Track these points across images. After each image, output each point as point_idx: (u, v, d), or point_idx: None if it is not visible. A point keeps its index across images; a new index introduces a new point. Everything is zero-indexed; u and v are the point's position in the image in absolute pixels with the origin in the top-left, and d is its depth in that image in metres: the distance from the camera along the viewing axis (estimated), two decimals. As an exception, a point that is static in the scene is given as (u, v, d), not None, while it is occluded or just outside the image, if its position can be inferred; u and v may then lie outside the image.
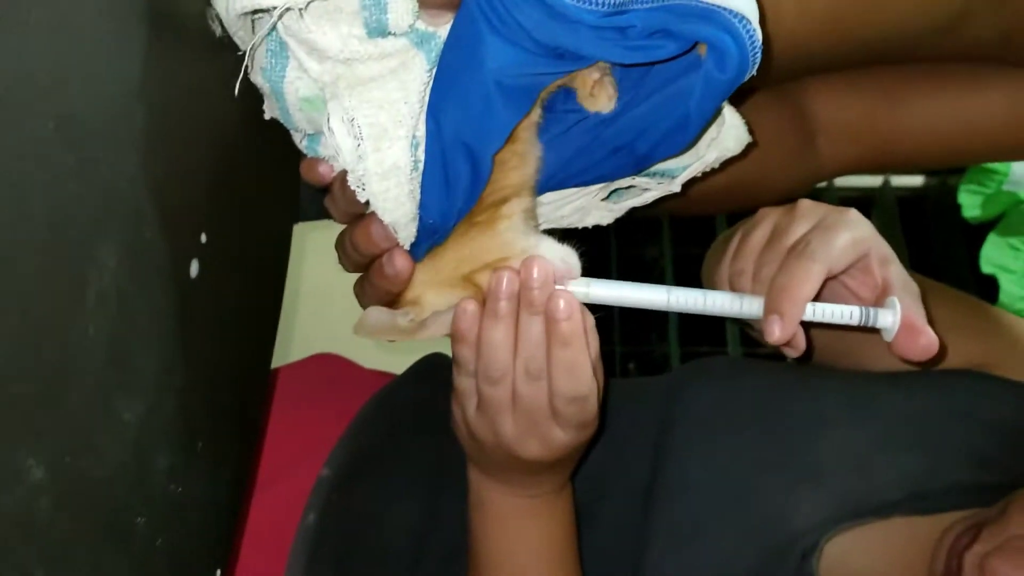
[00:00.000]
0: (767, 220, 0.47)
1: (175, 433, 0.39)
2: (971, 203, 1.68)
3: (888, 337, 0.45)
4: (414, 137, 0.42)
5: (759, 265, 0.46)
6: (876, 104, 0.59)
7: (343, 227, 0.47)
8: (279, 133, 0.46)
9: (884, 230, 1.55)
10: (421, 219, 0.44)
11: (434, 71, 0.42)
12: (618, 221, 0.54)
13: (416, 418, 0.68)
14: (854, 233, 0.45)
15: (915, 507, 0.51)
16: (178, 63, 0.39)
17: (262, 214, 0.50)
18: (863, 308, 0.45)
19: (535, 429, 0.46)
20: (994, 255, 1.58)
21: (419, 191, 0.44)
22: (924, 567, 0.49)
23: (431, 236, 0.45)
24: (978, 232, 1.58)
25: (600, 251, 1.73)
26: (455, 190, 0.44)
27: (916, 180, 1.83)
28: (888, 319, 0.45)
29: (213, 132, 0.43)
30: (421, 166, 0.43)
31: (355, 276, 0.49)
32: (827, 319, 0.45)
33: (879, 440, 0.53)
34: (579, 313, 0.44)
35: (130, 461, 0.35)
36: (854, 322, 0.45)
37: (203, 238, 0.41)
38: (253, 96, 0.45)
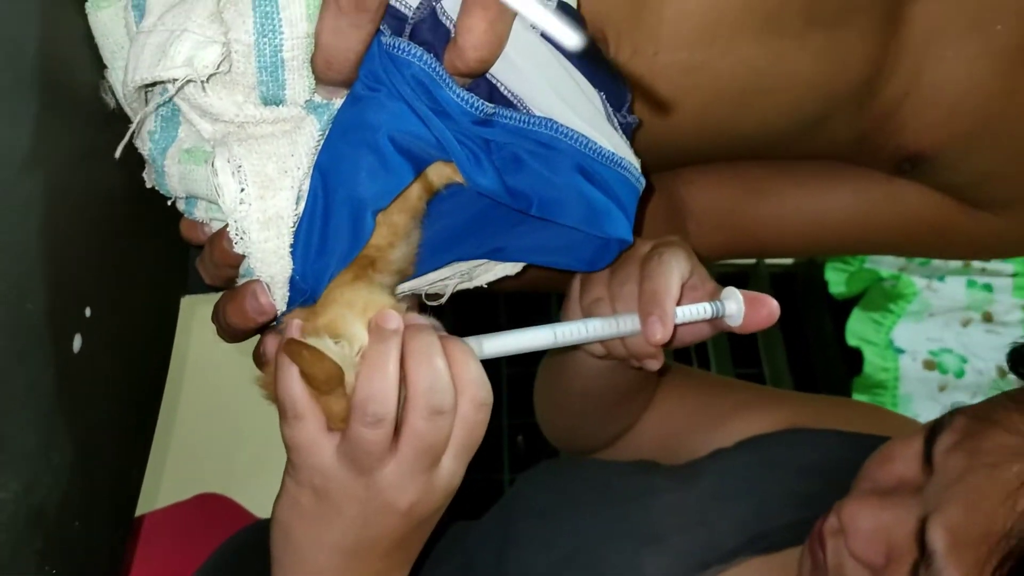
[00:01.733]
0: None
1: (51, 513, 0.38)
2: (837, 280, 1.79)
3: (737, 321, 0.49)
4: (299, 192, 0.42)
5: (614, 288, 0.49)
6: (740, 197, 0.63)
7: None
8: (166, 207, 0.46)
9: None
10: (293, 278, 0.43)
11: (324, 134, 0.43)
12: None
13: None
14: (686, 251, 0.50)
15: (757, 548, 0.54)
16: (67, 134, 0.39)
17: (149, 286, 0.50)
18: (712, 302, 0.50)
19: (419, 469, 0.42)
20: (858, 328, 1.68)
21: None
22: None
23: (298, 295, 0.44)
24: (843, 307, 1.68)
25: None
26: (332, 247, 0.43)
27: (787, 260, 1.94)
28: (733, 305, 0.50)
29: (100, 204, 0.43)
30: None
31: (242, 347, 0.49)
32: (689, 318, 0.49)
33: (708, 497, 0.57)
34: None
35: (4, 541, 0.33)
36: (709, 315, 0.49)
37: (87, 312, 0.40)
38: (141, 168, 0.45)
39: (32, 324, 0.35)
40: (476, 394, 0.42)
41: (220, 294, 0.47)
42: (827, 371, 1.86)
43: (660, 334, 0.46)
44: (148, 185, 0.45)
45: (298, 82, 0.41)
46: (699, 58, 0.51)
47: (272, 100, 0.41)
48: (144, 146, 0.44)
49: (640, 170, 0.48)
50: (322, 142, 0.43)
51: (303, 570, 0.45)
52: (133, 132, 0.42)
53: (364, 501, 0.43)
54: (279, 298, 0.43)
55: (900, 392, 1.65)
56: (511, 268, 0.52)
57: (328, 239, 0.43)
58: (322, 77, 0.41)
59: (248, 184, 0.40)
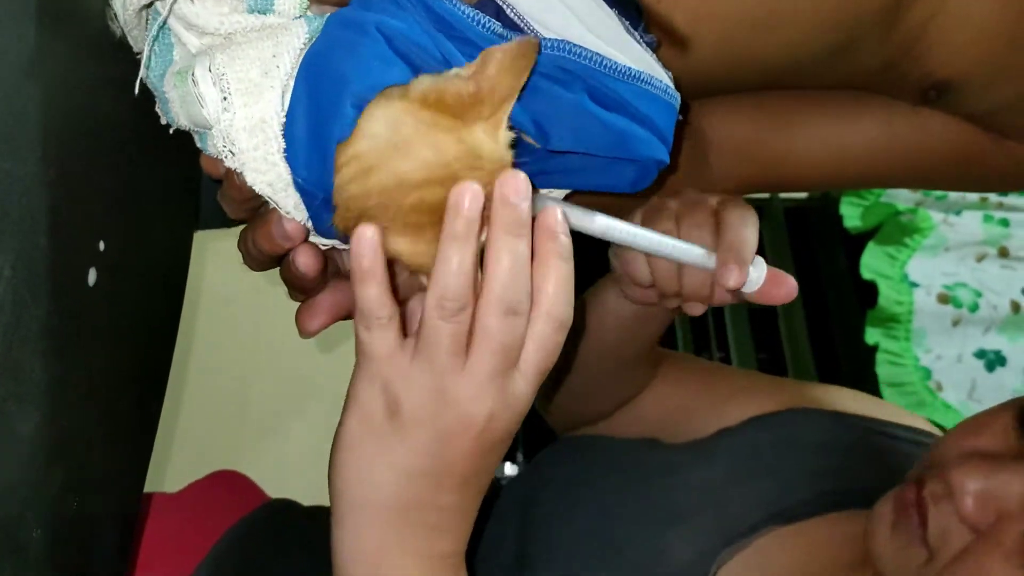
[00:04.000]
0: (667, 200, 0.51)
1: (71, 445, 0.38)
2: (852, 214, 1.77)
3: (753, 288, 0.50)
4: (284, 93, 0.39)
5: (685, 230, 0.49)
6: (763, 128, 0.62)
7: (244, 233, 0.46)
8: (178, 140, 0.45)
9: (772, 239, 1.62)
10: (295, 181, 0.40)
11: (313, 39, 0.40)
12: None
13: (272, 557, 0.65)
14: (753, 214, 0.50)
15: (778, 521, 0.55)
16: (76, 66, 0.38)
17: (162, 221, 0.49)
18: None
19: (494, 374, 0.39)
20: (873, 263, 1.67)
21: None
22: (831, 560, 0.53)
23: (313, 200, 0.41)
24: (858, 241, 1.67)
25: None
26: (323, 137, 0.39)
27: (801, 193, 1.92)
28: (755, 272, 0.50)
29: (112, 136, 0.42)
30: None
31: (254, 284, 0.48)
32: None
33: (727, 475, 0.58)
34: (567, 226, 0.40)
35: (25, 474, 0.34)
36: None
37: (101, 246, 0.40)
38: (151, 102, 0.44)
39: (46, 257, 0.35)
40: (554, 310, 0.39)
41: (231, 228, 0.46)
42: (840, 304, 1.85)
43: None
44: (163, 122, 0.44)
45: None
46: None
47: (259, 10, 0.40)
48: (145, 73, 0.42)
49: (673, 85, 0.45)
50: (309, 46, 0.40)
51: (370, 495, 0.41)
52: (141, 61, 0.41)
53: (439, 413, 0.40)
54: (291, 206, 0.40)
55: (914, 326, 1.65)
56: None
57: (317, 137, 0.39)
58: None
59: (231, 92, 0.38)
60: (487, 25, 0.40)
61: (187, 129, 0.43)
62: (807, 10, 0.50)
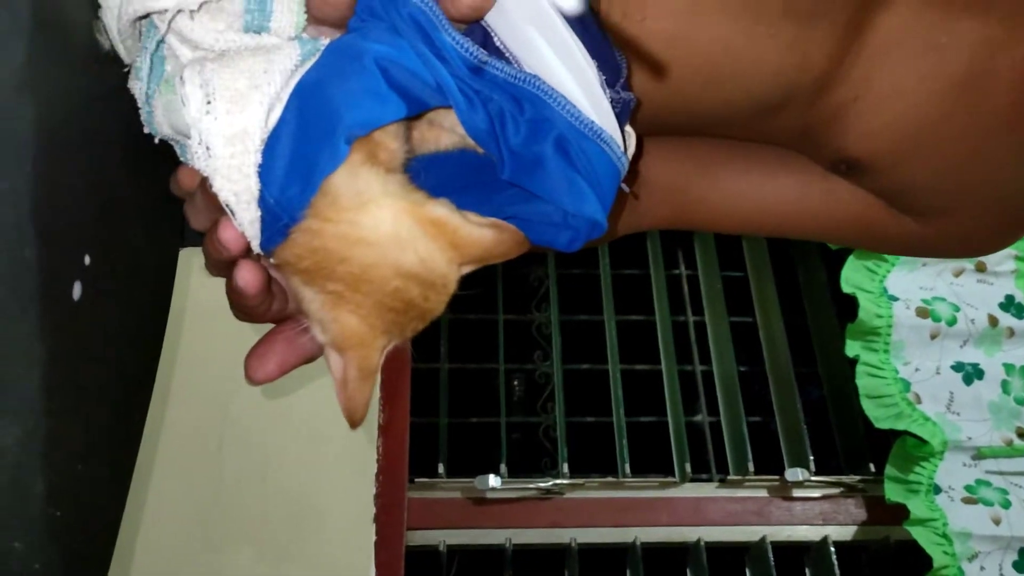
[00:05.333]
0: None
1: (54, 457, 0.38)
2: (832, 228, 1.79)
3: None
4: (270, 111, 0.39)
5: None
6: (691, 175, 0.64)
7: None
8: (165, 157, 0.46)
9: (752, 253, 1.63)
10: (262, 198, 0.40)
11: (305, 63, 0.40)
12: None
13: None
14: None
15: None
16: (64, 79, 0.38)
17: (147, 237, 0.50)
18: None
19: None
20: (853, 277, 1.69)
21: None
22: None
23: (274, 222, 0.40)
24: (838, 256, 1.69)
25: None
26: (304, 170, 0.40)
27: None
28: None
29: (97, 150, 0.42)
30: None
31: None
32: None
33: None
34: None
35: (8, 485, 0.34)
36: None
37: (87, 259, 0.40)
38: (138, 113, 0.44)
39: (32, 270, 0.35)
40: None
41: None
42: (819, 317, 1.87)
43: None
44: (146, 131, 0.44)
45: (285, 15, 0.40)
46: (682, 29, 0.52)
47: (255, 29, 0.40)
48: (135, 85, 0.43)
49: (623, 151, 0.46)
50: (301, 69, 0.40)
51: None
52: (128, 73, 0.41)
53: None
54: (247, 221, 0.40)
55: (893, 339, 1.66)
56: None
57: (300, 163, 0.40)
58: (317, 11, 0.41)
59: (216, 98, 0.39)
60: (474, 54, 0.41)
61: (169, 139, 0.43)
62: (751, 73, 0.54)
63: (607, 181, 0.45)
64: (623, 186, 0.47)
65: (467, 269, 0.43)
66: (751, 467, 1.62)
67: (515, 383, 1.81)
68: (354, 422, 0.43)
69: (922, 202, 0.60)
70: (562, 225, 0.45)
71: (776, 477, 1.63)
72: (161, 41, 0.41)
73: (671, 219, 0.66)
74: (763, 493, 1.64)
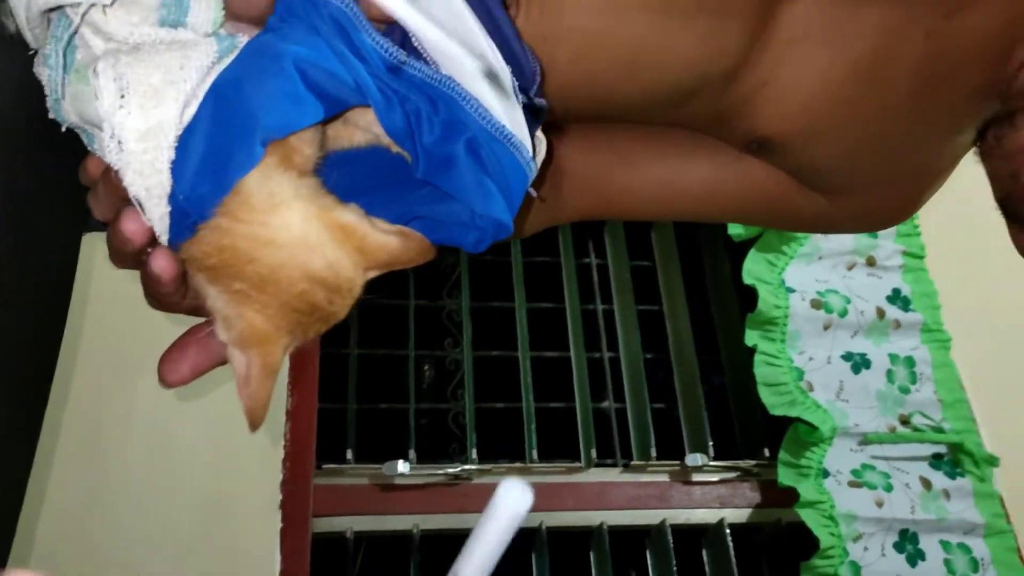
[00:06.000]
0: None
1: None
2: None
3: None
4: (185, 107, 0.39)
5: None
6: (609, 164, 0.66)
7: None
8: (69, 143, 0.44)
9: (661, 245, 1.67)
10: (173, 195, 0.40)
11: (223, 59, 0.40)
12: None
13: None
14: None
15: None
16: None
17: (50, 222, 0.49)
18: None
19: None
20: (754, 268, 1.75)
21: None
22: None
23: (183, 218, 0.40)
24: (741, 248, 1.75)
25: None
26: (216, 170, 0.40)
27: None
28: None
29: (1, 135, 0.41)
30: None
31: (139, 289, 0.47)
32: None
33: None
34: None
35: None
36: None
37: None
38: (43, 99, 0.43)
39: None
40: None
41: None
42: (723, 307, 1.94)
43: None
44: (50, 116, 0.43)
45: (203, 11, 0.40)
46: (599, 25, 0.54)
47: (171, 23, 0.40)
48: (42, 72, 0.42)
49: (533, 155, 0.47)
50: (218, 66, 0.40)
51: None
52: (34, 57, 0.40)
53: None
54: (156, 216, 0.40)
55: (789, 328, 1.73)
56: None
57: (213, 162, 0.39)
58: (236, 8, 0.40)
59: (130, 92, 0.38)
60: (393, 54, 0.42)
61: (76, 127, 0.43)
62: (666, 64, 0.56)
63: (515, 184, 0.46)
64: (531, 190, 0.48)
65: (372, 274, 0.44)
66: (654, 452, 1.67)
67: (425, 369, 1.81)
68: (255, 422, 0.43)
69: (829, 180, 0.63)
70: (470, 225, 0.46)
71: (677, 462, 1.68)
72: (74, 33, 0.40)
73: (592, 210, 0.67)
74: (664, 478, 1.70)
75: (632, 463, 1.68)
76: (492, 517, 0.37)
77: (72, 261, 0.51)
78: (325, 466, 1.51)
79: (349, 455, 1.55)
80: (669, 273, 1.93)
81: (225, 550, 1.37)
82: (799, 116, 0.58)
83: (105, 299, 1.07)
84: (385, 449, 1.57)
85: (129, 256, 0.42)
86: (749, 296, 1.71)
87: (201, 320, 0.46)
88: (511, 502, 0.37)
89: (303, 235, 0.41)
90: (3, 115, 0.42)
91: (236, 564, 1.36)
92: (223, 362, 0.46)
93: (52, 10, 0.40)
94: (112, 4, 0.38)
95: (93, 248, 0.54)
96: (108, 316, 1.21)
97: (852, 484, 1.61)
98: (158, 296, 0.44)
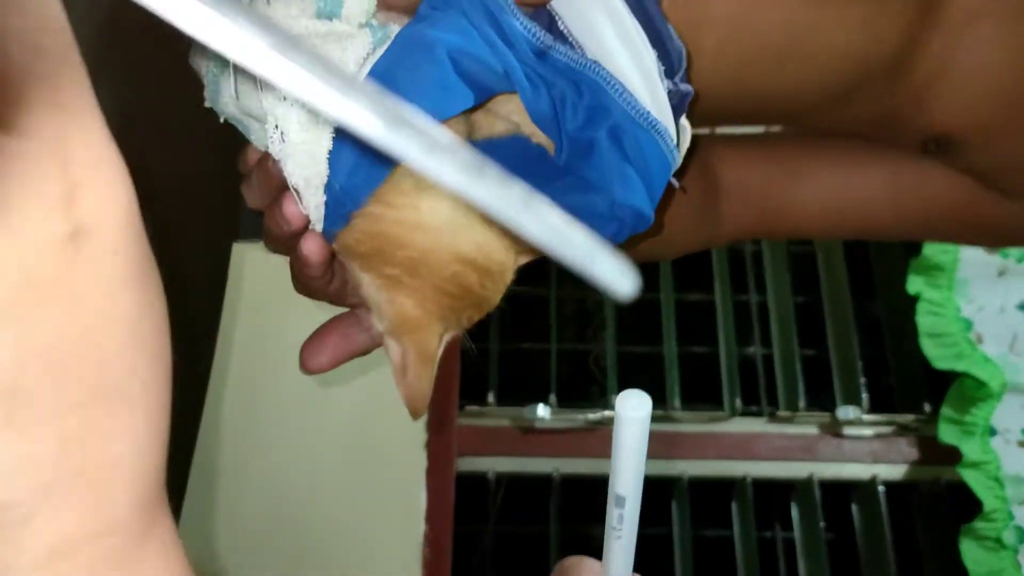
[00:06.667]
0: None
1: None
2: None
3: None
4: None
5: None
6: (773, 175, 0.61)
7: None
8: (219, 151, 0.45)
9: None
10: (329, 185, 0.41)
11: (376, 50, 0.41)
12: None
13: None
14: None
15: None
16: (137, 62, 0.37)
17: (202, 229, 0.49)
18: None
19: None
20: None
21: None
22: None
23: (339, 207, 0.42)
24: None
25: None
26: (378, 156, 0.39)
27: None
28: None
29: (157, 141, 0.42)
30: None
31: (290, 295, 0.49)
32: None
33: None
34: None
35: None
36: None
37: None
38: (200, 109, 0.44)
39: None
40: None
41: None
42: (881, 251, 1.82)
43: None
44: (206, 104, 0.44)
45: (357, 2, 0.41)
46: (746, 12, 0.51)
47: (327, 14, 0.41)
48: (200, 64, 0.43)
49: (676, 144, 0.46)
50: (372, 57, 0.41)
51: None
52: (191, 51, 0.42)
53: None
54: (312, 205, 0.42)
55: (958, 275, 1.62)
56: None
57: (369, 151, 0.40)
58: None
59: None
60: (540, 38, 0.42)
61: (232, 119, 0.44)
62: (819, 54, 0.52)
63: (658, 174, 0.45)
64: (673, 180, 0.46)
65: (523, 259, 0.44)
66: (802, 403, 1.61)
67: (566, 309, 1.80)
68: (416, 411, 0.44)
69: (1021, 180, 0.57)
70: (609, 217, 0.45)
71: (827, 414, 1.61)
72: None
73: (754, 227, 0.64)
74: (813, 430, 1.64)
75: (779, 413, 1.63)
76: (620, 433, 0.39)
77: (223, 268, 0.52)
78: (468, 407, 1.54)
79: (491, 397, 1.57)
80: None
81: (375, 489, 1.42)
82: (982, 107, 0.52)
83: (253, 306, 1.10)
84: (526, 390, 1.58)
85: (283, 239, 0.44)
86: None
87: (343, 310, 0.47)
88: (631, 412, 0.38)
89: (452, 218, 0.41)
90: (163, 118, 0.42)
91: (385, 502, 1.42)
92: (363, 352, 0.47)
93: None
94: None
95: (242, 257, 0.54)
96: (256, 322, 1.25)
97: (1021, 444, 1.51)
98: (305, 280, 0.45)
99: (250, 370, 1.40)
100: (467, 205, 0.41)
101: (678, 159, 0.46)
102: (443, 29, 0.40)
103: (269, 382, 1.44)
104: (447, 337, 0.44)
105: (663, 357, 1.64)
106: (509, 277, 0.43)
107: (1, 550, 0.21)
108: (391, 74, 0.40)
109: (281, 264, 0.48)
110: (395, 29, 0.41)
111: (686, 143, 0.48)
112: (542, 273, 1.73)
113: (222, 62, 0.42)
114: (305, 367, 0.46)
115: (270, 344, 1.39)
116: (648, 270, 1.73)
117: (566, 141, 0.43)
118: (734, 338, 1.68)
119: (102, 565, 0.23)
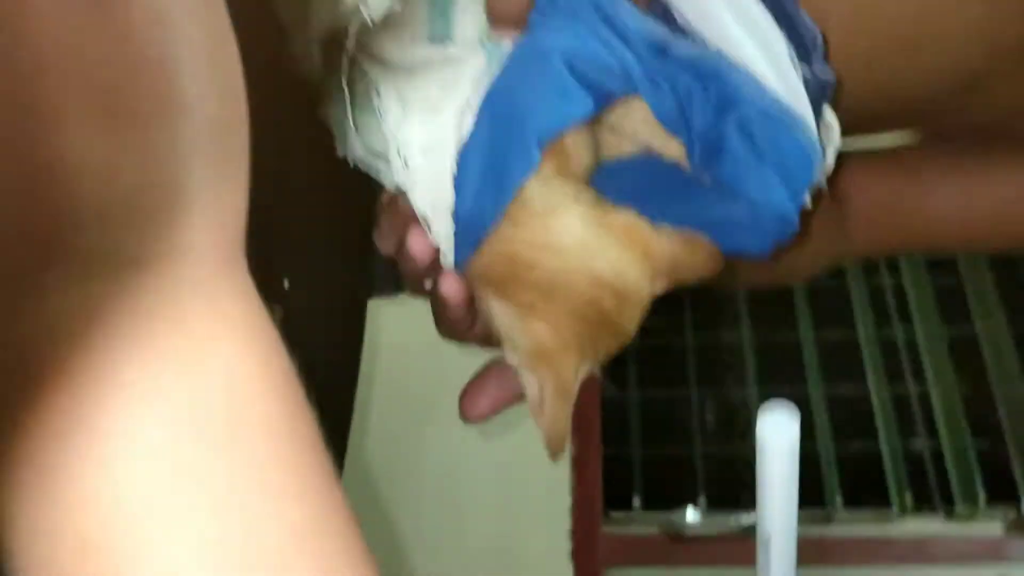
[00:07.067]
0: None
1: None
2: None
3: None
4: (463, 120, 0.40)
5: None
6: (904, 186, 0.57)
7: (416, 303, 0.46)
8: (354, 205, 0.46)
9: (967, 257, 1.47)
10: (455, 210, 0.40)
11: (491, 69, 0.41)
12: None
13: None
14: None
15: None
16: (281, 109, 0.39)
17: (338, 284, 0.50)
18: None
19: None
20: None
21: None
22: None
23: (467, 233, 0.41)
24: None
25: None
26: (496, 175, 0.39)
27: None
28: None
29: (300, 184, 0.43)
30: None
31: (428, 352, 0.48)
32: None
33: None
34: None
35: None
36: None
37: (285, 284, 0.40)
38: (333, 164, 0.44)
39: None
40: None
41: (404, 297, 0.47)
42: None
43: None
44: (340, 154, 0.44)
45: (468, 22, 0.40)
46: None
47: (439, 40, 0.41)
48: (328, 112, 0.44)
49: (817, 135, 0.42)
50: (488, 75, 0.41)
51: None
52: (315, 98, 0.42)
53: None
54: (442, 234, 0.41)
55: None
56: None
57: (493, 173, 0.40)
58: (496, 10, 0.40)
59: (410, 107, 0.40)
60: (658, 33, 0.41)
61: (362, 162, 0.44)
62: (949, 36, 0.48)
63: (798, 171, 0.41)
64: (820, 180, 0.43)
65: (660, 284, 0.41)
66: (982, 497, 1.46)
67: (706, 411, 1.73)
68: (554, 448, 0.42)
69: None
70: (749, 227, 0.42)
71: (1013, 507, 1.45)
72: (351, 63, 0.42)
73: (886, 242, 0.59)
74: (997, 529, 1.48)
75: (956, 511, 1.47)
76: (766, 458, 0.35)
77: (360, 323, 0.52)
78: (613, 514, 1.48)
79: (636, 502, 1.49)
80: (980, 285, 1.70)
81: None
82: None
83: (390, 363, 1.12)
84: (673, 495, 1.50)
85: (419, 276, 0.43)
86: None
87: (496, 353, 0.46)
88: (775, 432, 0.34)
89: (585, 238, 0.40)
90: (296, 185, 0.43)
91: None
92: (523, 398, 0.45)
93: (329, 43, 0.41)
94: (379, 23, 0.39)
95: (377, 313, 0.55)
96: (393, 380, 1.26)
97: None
98: (448, 323, 0.44)
99: (390, 431, 1.40)
100: (600, 224, 0.40)
101: (821, 154, 0.42)
102: (555, 35, 0.39)
103: (408, 448, 1.43)
104: (584, 371, 0.42)
105: (818, 454, 1.53)
106: (646, 302, 0.41)
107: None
108: (508, 91, 0.40)
109: (419, 318, 0.47)
110: (509, 45, 0.41)
111: (835, 141, 0.44)
112: (679, 370, 1.67)
113: (343, 106, 0.43)
114: (465, 415, 0.46)
115: (409, 403, 1.39)
116: (795, 365, 1.65)
117: (696, 140, 0.41)
118: (895, 429, 1.56)
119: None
